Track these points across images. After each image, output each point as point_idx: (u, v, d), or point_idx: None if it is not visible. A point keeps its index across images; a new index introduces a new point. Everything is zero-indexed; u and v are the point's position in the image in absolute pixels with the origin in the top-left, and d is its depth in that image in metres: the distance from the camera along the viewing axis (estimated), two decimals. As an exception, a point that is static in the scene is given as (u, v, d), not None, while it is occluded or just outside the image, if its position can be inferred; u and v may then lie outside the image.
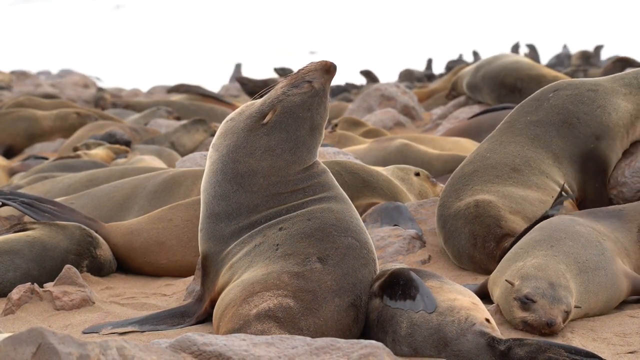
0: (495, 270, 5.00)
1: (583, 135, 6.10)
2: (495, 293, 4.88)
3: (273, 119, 4.63)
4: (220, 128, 4.81)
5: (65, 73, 37.88)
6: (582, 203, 6.08)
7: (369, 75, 25.88)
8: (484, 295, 5.06)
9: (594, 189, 6.08)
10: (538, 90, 6.47)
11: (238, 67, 37.03)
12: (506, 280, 4.59)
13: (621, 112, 6.20)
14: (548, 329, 4.43)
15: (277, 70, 24.98)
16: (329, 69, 4.67)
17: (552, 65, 27.72)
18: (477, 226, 5.76)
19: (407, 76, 26.81)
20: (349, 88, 25.63)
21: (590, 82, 6.33)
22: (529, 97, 6.45)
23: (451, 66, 25.91)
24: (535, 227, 5.13)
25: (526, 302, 4.49)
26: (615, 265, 4.95)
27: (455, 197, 6.02)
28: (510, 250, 5.02)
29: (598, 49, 31.46)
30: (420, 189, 7.72)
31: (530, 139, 6.09)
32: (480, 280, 5.65)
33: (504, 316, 4.71)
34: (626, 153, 6.29)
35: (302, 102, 4.63)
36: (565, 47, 34.31)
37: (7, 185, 9.59)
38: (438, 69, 30.98)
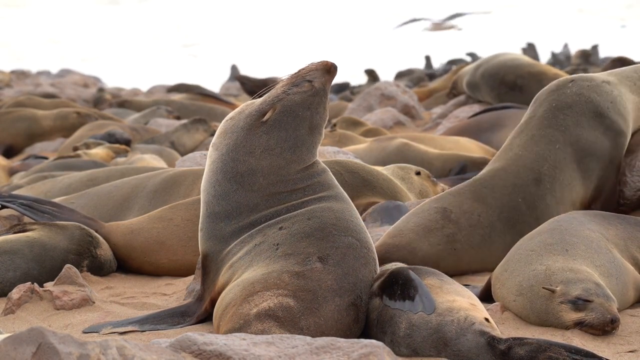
0: (500, 270, 4.97)
1: (613, 124, 6.08)
2: (500, 292, 4.87)
3: (272, 118, 4.63)
4: (220, 127, 4.81)
5: (65, 73, 37.89)
6: (595, 201, 6.06)
7: (371, 74, 25.88)
8: (489, 295, 5.06)
9: (611, 185, 6.07)
10: (551, 84, 6.37)
11: (234, 68, 37.00)
12: (544, 287, 4.57)
13: (631, 103, 6.24)
14: (611, 325, 4.42)
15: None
16: (329, 69, 4.67)
17: (551, 64, 27.69)
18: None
19: (407, 75, 26.71)
20: (346, 86, 25.65)
21: (598, 75, 6.33)
22: (545, 90, 6.33)
23: (447, 69, 25.88)
24: (545, 228, 5.11)
25: (580, 303, 4.48)
26: (627, 275, 4.95)
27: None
28: (515, 251, 5.01)
29: (594, 48, 31.46)
30: (421, 188, 7.73)
31: (561, 131, 6.05)
32: (478, 277, 5.66)
33: (517, 316, 4.72)
34: (626, 152, 6.29)
35: (302, 101, 4.63)
36: (566, 45, 34.31)
37: (7, 185, 9.59)
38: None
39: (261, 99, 4.74)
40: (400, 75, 26.94)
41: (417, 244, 5.75)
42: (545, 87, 6.41)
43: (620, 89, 6.22)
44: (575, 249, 4.84)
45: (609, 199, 6.02)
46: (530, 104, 6.40)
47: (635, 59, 14.48)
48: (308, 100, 4.63)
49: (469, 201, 5.92)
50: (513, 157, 6.04)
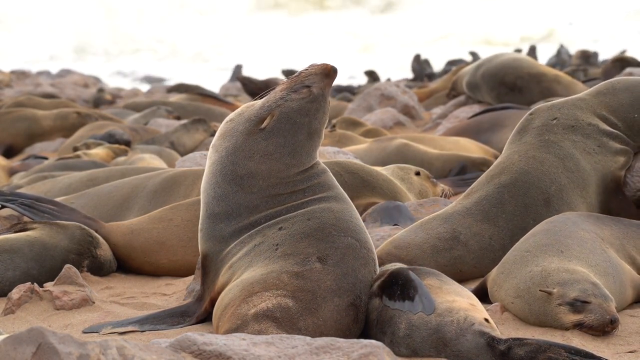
0: (496, 272, 4.98)
1: (603, 160, 6.02)
2: (498, 294, 4.88)
3: (270, 124, 4.62)
4: (220, 129, 4.81)
5: (65, 73, 37.86)
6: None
7: (372, 75, 25.88)
8: (483, 294, 5.06)
9: (617, 202, 6.01)
10: (535, 115, 6.24)
11: (238, 67, 36.99)
12: (541, 290, 4.56)
13: (627, 144, 6.15)
14: (611, 326, 4.41)
15: (284, 72, 24.96)
16: (329, 73, 4.64)
17: (552, 64, 27.69)
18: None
19: (417, 69, 26.56)
20: (350, 89, 25.69)
21: (586, 115, 6.21)
22: (530, 118, 6.23)
23: (447, 69, 25.85)
24: (540, 229, 5.09)
25: (579, 305, 4.47)
26: (624, 273, 4.94)
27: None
28: (511, 253, 5.01)
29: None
30: (421, 188, 7.73)
31: (559, 159, 5.98)
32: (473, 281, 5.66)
33: (516, 316, 4.72)
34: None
35: (300, 108, 4.61)
36: (562, 46, 34.30)
37: (7, 185, 9.59)
38: (437, 68, 30.94)
39: (260, 102, 4.73)
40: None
41: (422, 262, 5.63)
42: (531, 115, 6.24)
43: (608, 130, 6.14)
44: (570, 250, 4.83)
45: (621, 215, 5.95)
46: (520, 126, 6.24)
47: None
48: (306, 107, 4.61)
49: (478, 223, 5.81)
50: (519, 172, 5.95)
